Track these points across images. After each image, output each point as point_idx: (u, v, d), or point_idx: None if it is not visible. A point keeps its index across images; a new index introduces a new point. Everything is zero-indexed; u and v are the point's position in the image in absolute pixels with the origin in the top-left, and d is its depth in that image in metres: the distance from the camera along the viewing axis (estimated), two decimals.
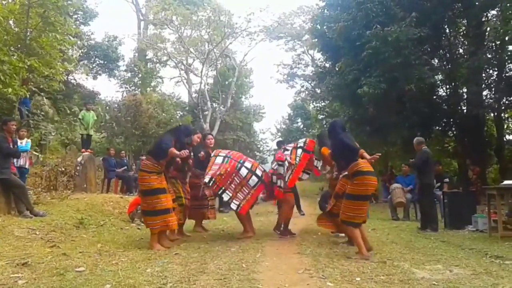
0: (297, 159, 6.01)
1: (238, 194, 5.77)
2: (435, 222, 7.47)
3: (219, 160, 6.02)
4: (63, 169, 10.57)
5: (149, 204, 5.19)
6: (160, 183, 5.22)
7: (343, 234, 5.78)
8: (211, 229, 7.21)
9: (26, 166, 8.71)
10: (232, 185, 5.78)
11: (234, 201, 5.73)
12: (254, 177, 5.88)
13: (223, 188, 5.75)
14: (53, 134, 13.24)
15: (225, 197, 5.74)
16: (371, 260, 4.42)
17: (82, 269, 3.89)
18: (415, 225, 8.12)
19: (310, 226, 7.51)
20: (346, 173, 4.97)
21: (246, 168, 5.91)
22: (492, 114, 15.81)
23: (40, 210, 6.99)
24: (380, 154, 5.08)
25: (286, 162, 5.94)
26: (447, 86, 15.75)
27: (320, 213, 6.63)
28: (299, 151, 6.09)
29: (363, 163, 4.74)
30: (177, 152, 5.20)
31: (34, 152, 10.29)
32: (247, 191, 5.83)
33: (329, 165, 6.09)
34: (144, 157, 5.89)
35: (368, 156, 4.81)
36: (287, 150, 6.24)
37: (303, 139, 6.44)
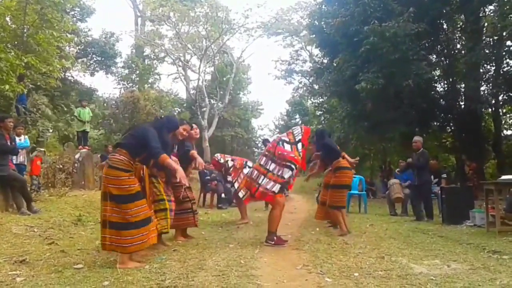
0: (300, 156, 5.28)
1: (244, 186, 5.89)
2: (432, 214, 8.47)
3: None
4: (61, 166, 10.55)
5: (131, 214, 3.87)
6: (139, 185, 4.09)
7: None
8: (210, 226, 7.20)
9: (25, 163, 8.71)
10: (239, 178, 6.51)
11: (241, 191, 5.79)
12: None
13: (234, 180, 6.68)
14: (50, 131, 13.21)
15: (236, 185, 6.46)
16: (369, 255, 4.43)
17: (80, 266, 3.89)
18: (413, 221, 8.17)
19: (308, 222, 7.52)
20: (330, 168, 6.34)
21: (249, 166, 6.61)
22: (489, 110, 15.83)
23: (36, 208, 7.01)
24: (358, 159, 6.97)
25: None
26: (445, 82, 15.78)
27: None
28: (299, 146, 5.34)
29: (342, 161, 6.20)
30: (174, 165, 4.09)
31: (41, 149, 10.29)
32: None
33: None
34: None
35: (349, 159, 6.31)
36: (286, 143, 5.33)
37: (298, 128, 5.53)
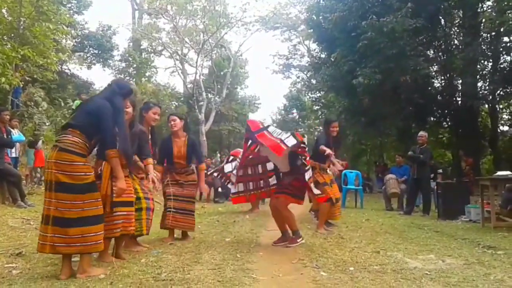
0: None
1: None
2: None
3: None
4: None
5: (83, 207, 3.22)
6: (94, 175, 3.42)
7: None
8: (206, 220, 7.20)
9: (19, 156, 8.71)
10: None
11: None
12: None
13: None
14: (47, 124, 13.15)
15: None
16: (365, 249, 4.46)
17: (76, 259, 3.86)
18: (409, 216, 8.22)
19: (305, 217, 7.53)
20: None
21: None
22: (486, 106, 15.87)
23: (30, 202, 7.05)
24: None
25: None
26: (442, 77, 15.80)
27: None
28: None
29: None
30: (119, 173, 3.51)
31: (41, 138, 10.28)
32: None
33: None
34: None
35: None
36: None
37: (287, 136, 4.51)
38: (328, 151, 5.57)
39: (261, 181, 5.17)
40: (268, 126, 4.84)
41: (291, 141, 4.36)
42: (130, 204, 3.86)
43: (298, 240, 4.71)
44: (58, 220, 3.18)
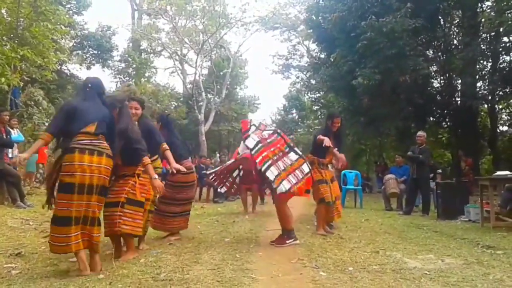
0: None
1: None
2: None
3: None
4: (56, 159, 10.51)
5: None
6: None
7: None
8: (205, 220, 7.20)
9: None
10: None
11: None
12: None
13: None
14: (46, 124, 13.15)
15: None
16: (364, 249, 4.46)
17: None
18: (408, 216, 8.22)
19: (304, 217, 7.53)
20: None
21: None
22: (485, 106, 15.87)
23: (29, 202, 7.05)
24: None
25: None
26: (442, 77, 15.78)
27: None
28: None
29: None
30: None
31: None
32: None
33: None
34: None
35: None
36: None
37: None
38: (325, 139, 5.21)
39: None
40: (253, 125, 4.92)
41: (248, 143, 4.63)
42: (114, 205, 3.86)
43: (287, 241, 4.68)
44: (98, 220, 3.50)
